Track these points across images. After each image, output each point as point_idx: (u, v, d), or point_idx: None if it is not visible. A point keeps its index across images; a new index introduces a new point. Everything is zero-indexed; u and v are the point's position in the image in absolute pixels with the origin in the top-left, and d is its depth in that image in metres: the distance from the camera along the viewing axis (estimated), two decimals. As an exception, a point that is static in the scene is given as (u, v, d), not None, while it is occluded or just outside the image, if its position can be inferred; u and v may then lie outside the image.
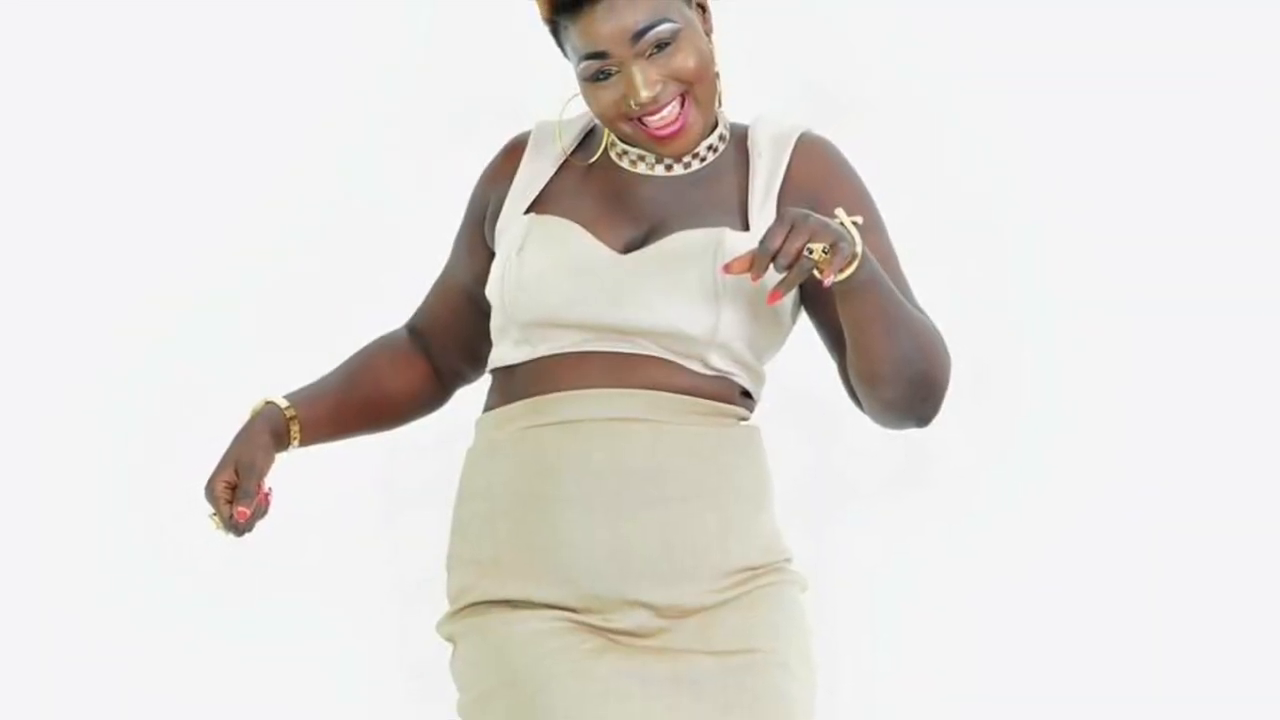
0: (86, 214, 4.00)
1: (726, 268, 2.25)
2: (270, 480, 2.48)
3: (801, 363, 2.64)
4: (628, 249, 2.45)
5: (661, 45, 2.38)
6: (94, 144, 4.00)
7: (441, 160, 3.29)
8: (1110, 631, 3.94)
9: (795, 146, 2.49)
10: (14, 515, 3.97)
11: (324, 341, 2.77)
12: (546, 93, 2.57)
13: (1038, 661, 3.93)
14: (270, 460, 2.49)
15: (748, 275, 2.23)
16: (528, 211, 2.52)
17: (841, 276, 2.24)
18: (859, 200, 2.46)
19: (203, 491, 2.48)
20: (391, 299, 2.79)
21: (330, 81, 4.04)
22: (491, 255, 2.55)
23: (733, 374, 2.44)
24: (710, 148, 2.50)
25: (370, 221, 3.98)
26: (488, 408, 2.51)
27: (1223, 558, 3.95)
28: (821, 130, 2.54)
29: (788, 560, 2.48)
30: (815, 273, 2.22)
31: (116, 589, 3.93)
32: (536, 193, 2.53)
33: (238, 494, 2.45)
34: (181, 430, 3.64)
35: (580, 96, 2.44)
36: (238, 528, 2.45)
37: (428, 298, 2.69)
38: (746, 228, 2.44)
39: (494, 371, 2.52)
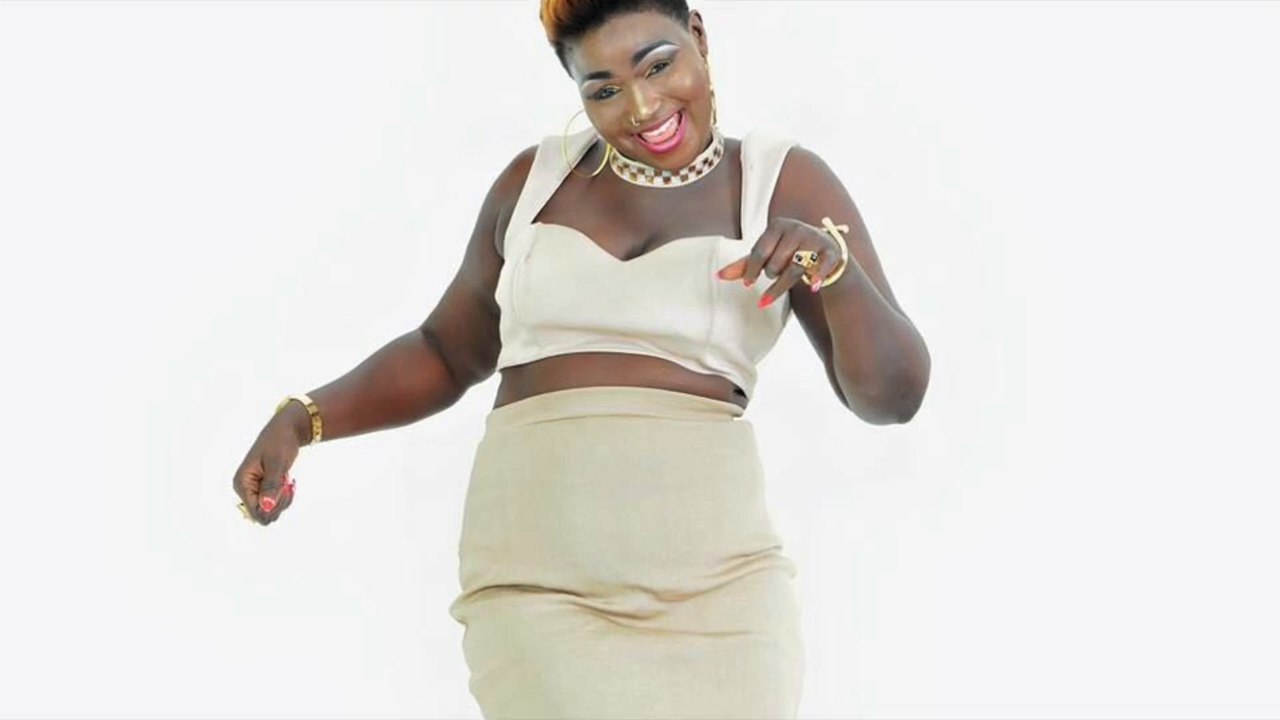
0: (129, 228, 4.00)
1: (721, 274, 2.23)
2: (294, 473, 2.46)
3: (791, 360, 2.61)
4: (628, 256, 2.43)
5: (660, 65, 2.36)
6: (135, 163, 4.00)
7: (456, 174, 3.28)
8: (1081, 611, 3.92)
9: (785, 160, 2.46)
10: (62, 503, 3.96)
11: (348, 341, 2.74)
12: (553, 111, 2.54)
13: (1012, 638, 3.91)
14: (294, 453, 2.47)
15: (741, 281, 2.21)
16: (535, 221, 2.49)
17: (828, 282, 2.23)
18: (844, 210, 2.44)
19: (230, 483, 2.46)
20: (410, 302, 2.76)
21: (355, 104, 4.03)
22: (501, 262, 2.53)
23: (727, 373, 2.42)
24: (706, 161, 2.48)
25: (390, 230, 3.97)
26: (498, 404, 2.49)
27: (1186, 540, 3.93)
28: (808, 145, 2.51)
29: (778, 547, 2.45)
30: (804, 278, 2.21)
31: (160, 567, 3.92)
32: (543, 203, 2.51)
33: (263, 485, 2.43)
34: (218, 423, 3.61)
35: (584, 113, 2.43)
36: (263, 517, 2.43)
37: (441, 301, 2.67)
38: (740, 236, 2.42)
39: (504, 370, 2.49)
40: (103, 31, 3.99)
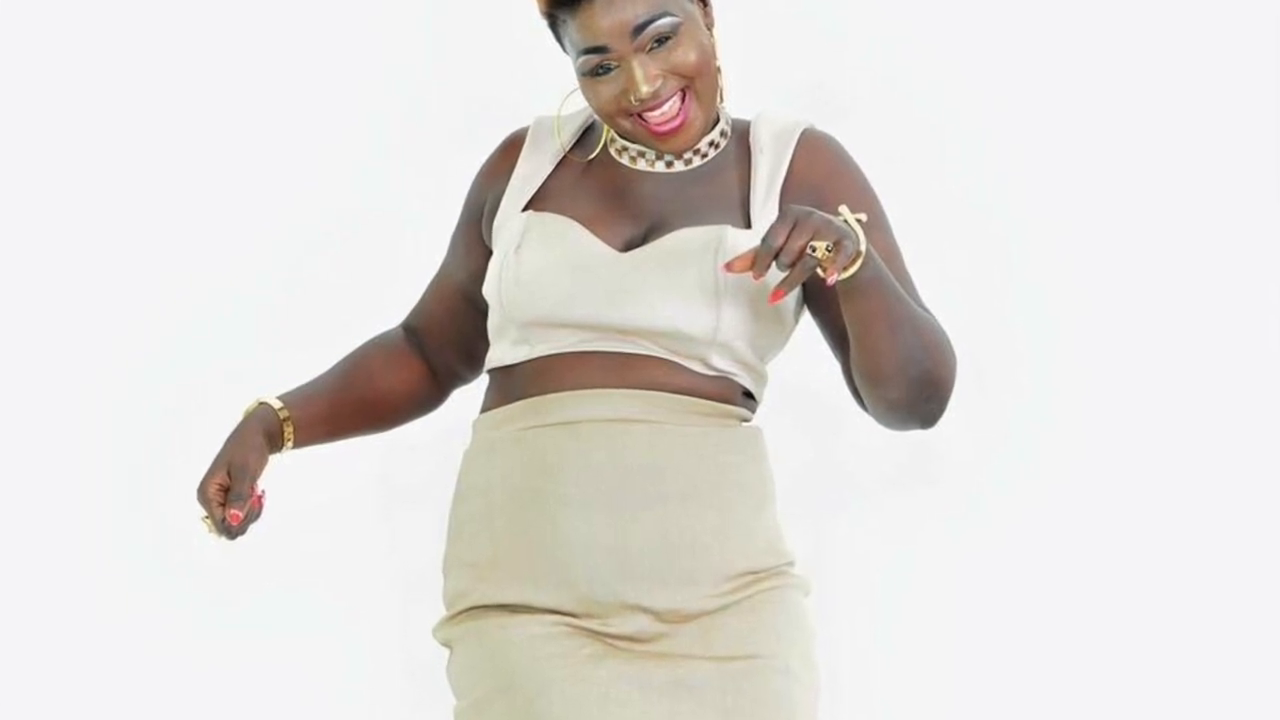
0: (100, 219, 3.99)
1: (728, 266, 2.21)
2: (263, 482, 2.43)
3: (804, 360, 2.61)
4: (627, 247, 2.41)
5: (662, 39, 2.34)
6: (119, 153, 4.00)
7: (449, 163, 3.28)
8: (1117, 630, 3.90)
9: (798, 142, 2.44)
10: (21, 511, 3.96)
11: (331, 343, 2.71)
12: (547, 94, 2.53)
13: (1042, 660, 3.89)
14: (264, 462, 2.45)
15: (749, 274, 2.19)
16: (525, 209, 2.47)
17: (845, 275, 2.21)
18: (862, 196, 2.43)
19: (195, 494, 2.43)
20: (399, 300, 2.74)
21: (340, 90, 4.03)
22: (489, 253, 2.50)
23: (734, 374, 2.40)
24: (711, 144, 2.46)
25: (378, 224, 3.97)
26: (485, 408, 2.47)
27: (1228, 554, 3.91)
28: (821, 127, 2.50)
29: (790, 564, 2.43)
30: (818, 271, 2.19)
31: (118, 587, 3.91)
32: (534, 190, 2.49)
33: (230, 496, 2.40)
34: (192, 431, 3.58)
35: (579, 91, 2.40)
36: (230, 531, 2.40)
37: (424, 296, 2.65)
38: (748, 225, 2.40)
39: (491, 372, 2.48)
40: (74, 16, 3.99)
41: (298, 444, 2.50)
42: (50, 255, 3.97)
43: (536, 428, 2.37)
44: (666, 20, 2.32)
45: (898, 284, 2.31)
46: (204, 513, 2.41)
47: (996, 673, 3.88)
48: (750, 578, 2.36)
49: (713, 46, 2.38)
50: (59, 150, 3.98)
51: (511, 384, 2.42)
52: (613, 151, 2.47)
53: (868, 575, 3.85)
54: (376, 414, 2.59)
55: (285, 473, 2.53)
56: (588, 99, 2.38)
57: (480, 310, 2.51)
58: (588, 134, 2.51)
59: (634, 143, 2.44)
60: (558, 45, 2.40)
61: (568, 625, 2.33)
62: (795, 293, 2.40)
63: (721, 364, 2.37)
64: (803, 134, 2.45)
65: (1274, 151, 3.95)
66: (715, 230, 2.37)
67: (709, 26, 2.39)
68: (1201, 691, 3.89)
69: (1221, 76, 3.95)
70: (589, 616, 2.33)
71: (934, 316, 2.38)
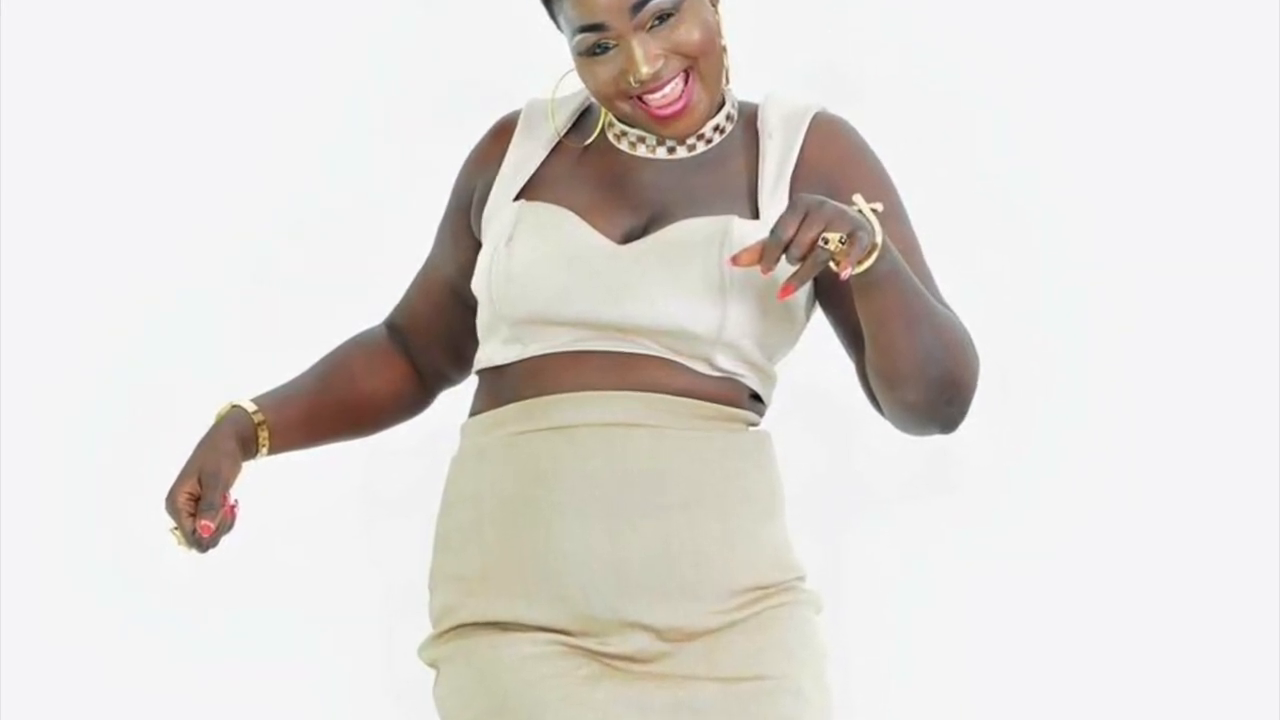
0: (55, 209, 4.00)
1: (734, 259, 2.21)
2: (236, 491, 2.43)
3: (813, 357, 2.59)
4: (626, 239, 2.40)
5: (663, 17, 2.34)
6: (68, 136, 4.01)
7: (428, 146, 3.31)
8: (1145, 648, 3.91)
9: (809, 127, 2.44)
10: None
11: (304, 342, 2.72)
12: (540, 73, 2.53)
13: (1069, 680, 3.90)
14: (237, 469, 2.44)
15: (757, 268, 2.19)
16: (517, 198, 2.47)
17: (860, 268, 2.21)
18: (879, 185, 2.42)
19: (163, 504, 2.42)
20: (376, 295, 2.75)
21: (310, 67, 4.04)
22: (478, 246, 2.49)
23: (740, 375, 2.40)
24: (717, 128, 2.45)
25: (353, 212, 3.98)
26: (474, 411, 2.46)
27: (1259, 568, 3.92)
28: (834, 110, 2.49)
29: (800, 579, 2.43)
30: (831, 264, 2.18)
31: (80, 603, 3.92)
32: (527, 177, 2.48)
33: (201, 506, 2.39)
34: (155, 434, 3.64)
35: (575, 72, 2.40)
36: (201, 543, 2.39)
37: (408, 292, 2.64)
38: (756, 216, 2.40)
39: (481, 372, 2.47)
40: (39, 9, 4.00)
41: (273, 450, 2.50)
42: (10, 253, 3.96)
43: (529, 432, 2.36)
44: (668, -4, 2.33)
45: (916, 279, 2.30)
46: (173, 524, 2.40)
47: (1018, 693, 3.89)
48: (758, 593, 2.36)
49: (718, 24, 2.38)
50: (24, 144, 3.98)
51: (503, 385, 2.41)
52: (611, 137, 2.46)
53: (882, 589, 3.86)
54: (358, 418, 2.58)
55: (260, 480, 2.52)
56: (584, 80, 2.38)
57: (469, 307, 2.50)
58: (584, 118, 2.50)
59: (633, 127, 2.43)
60: (552, 22, 2.40)
61: (563, 644, 2.33)
62: (806, 288, 2.39)
63: (727, 364, 2.37)
64: (814, 118, 2.44)
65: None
66: (721, 221, 2.36)
67: (714, 3, 2.39)
68: (1227, 711, 3.89)
69: (1263, 61, 3.95)
70: (585, 634, 2.33)
71: (955, 314, 2.37)
